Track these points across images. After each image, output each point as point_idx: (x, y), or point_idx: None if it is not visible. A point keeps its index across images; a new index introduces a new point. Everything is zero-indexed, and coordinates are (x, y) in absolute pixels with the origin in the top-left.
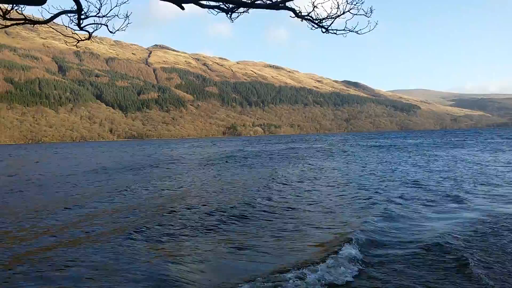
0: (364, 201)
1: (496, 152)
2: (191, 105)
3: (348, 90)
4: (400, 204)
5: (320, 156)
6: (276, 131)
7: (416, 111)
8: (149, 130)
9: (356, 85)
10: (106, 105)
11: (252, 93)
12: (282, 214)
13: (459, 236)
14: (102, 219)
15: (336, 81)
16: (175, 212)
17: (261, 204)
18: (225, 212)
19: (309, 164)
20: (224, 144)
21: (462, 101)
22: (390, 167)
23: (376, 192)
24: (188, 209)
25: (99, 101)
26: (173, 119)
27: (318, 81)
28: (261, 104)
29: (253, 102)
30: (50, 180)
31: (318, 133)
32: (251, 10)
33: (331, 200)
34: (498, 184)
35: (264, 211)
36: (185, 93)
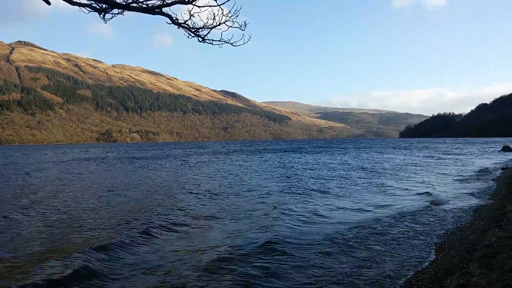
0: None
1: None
2: (60, 108)
3: (226, 100)
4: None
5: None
6: (154, 138)
7: (288, 122)
8: (10, 135)
9: (233, 95)
10: None
11: (129, 98)
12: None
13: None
14: None
15: (214, 91)
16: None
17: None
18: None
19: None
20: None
21: (327, 114)
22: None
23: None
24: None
25: None
26: (39, 123)
27: (197, 89)
28: (139, 110)
29: (130, 108)
30: None
31: (198, 141)
32: (133, 13)
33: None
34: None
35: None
36: (53, 95)
